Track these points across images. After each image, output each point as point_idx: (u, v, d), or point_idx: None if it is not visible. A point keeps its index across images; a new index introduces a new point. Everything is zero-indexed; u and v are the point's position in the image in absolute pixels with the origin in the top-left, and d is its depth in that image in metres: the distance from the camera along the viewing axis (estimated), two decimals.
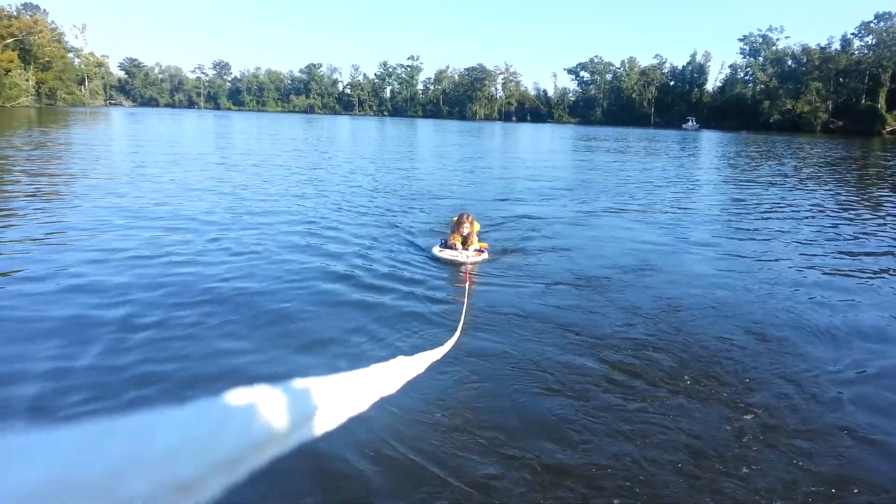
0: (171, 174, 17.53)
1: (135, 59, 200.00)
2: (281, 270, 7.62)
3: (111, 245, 8.56)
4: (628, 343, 5.53)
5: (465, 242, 8.67)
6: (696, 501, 3.26)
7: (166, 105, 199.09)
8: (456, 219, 9.08)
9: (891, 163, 33.81)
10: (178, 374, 4.61)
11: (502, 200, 15.40)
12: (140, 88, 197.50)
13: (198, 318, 5.76)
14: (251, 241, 9.26)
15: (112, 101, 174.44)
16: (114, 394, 4.26)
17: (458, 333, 3.84)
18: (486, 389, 4.51)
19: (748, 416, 4.22)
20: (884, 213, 14.04)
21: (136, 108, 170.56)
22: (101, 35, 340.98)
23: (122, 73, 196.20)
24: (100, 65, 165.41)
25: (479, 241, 8.93)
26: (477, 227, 9.03)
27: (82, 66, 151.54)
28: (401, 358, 1.16)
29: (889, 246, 10.41)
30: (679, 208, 14.44)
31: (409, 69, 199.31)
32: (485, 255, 8.54)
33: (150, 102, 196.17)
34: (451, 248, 8.59)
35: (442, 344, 1.97)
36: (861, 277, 8.23)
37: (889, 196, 17.73)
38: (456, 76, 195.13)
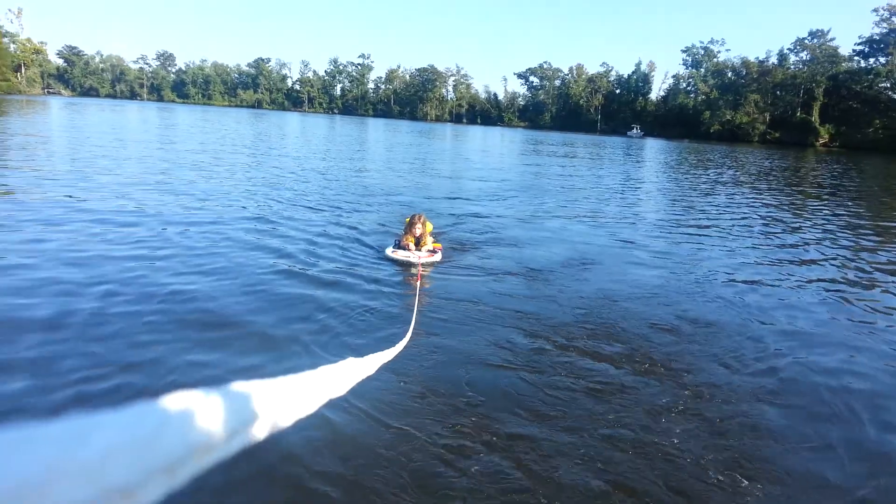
0: (113, 169, 17.04)
1: (74, 48, 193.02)
2: (228, 269, 7.47)
3: (44, 241, 8.25)
4: (577, 329, 5.99)
5: (419, 243, 8.71)
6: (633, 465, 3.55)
7: (107, 95, 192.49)
8: (409, 220, 9.13)
9: (819, 173, 35.61)
10: (115, 377, 4.44)
11: (453, 200, 15.66)
12: (80, 77, 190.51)
13: (138, 319, 5.58)
14: (197, 238, 9.11)
15: (50, 90, 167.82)
16: (45, 398, 4.10)
17: (409, 334, 3.97)
18: (437, 384, 4.66)
19: (682, 391, 4.71)
20: (812, 219, 14.85)
21: (76, 97, 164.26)
22: (38, 20, 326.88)
23: (60, 61, 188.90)
24: (37, 51, 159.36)
25: (433, 241, 9.00)
26: (430, 227, 9.07)
27: (18, 53, 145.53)
28: (350, 359, 1.15)
29: (815, 249, 11.11)
30: (623, 210, 14.98)
31: (359, 67, 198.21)
32: (438, 256, 8.59)
33: (89, 92, 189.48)
34: (404, 248, 8.63)
35: (394, 344, 2.03)
36: (788, 277, 8.80)
37: (816, 203, 18.72)
38: (407, 76, 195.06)
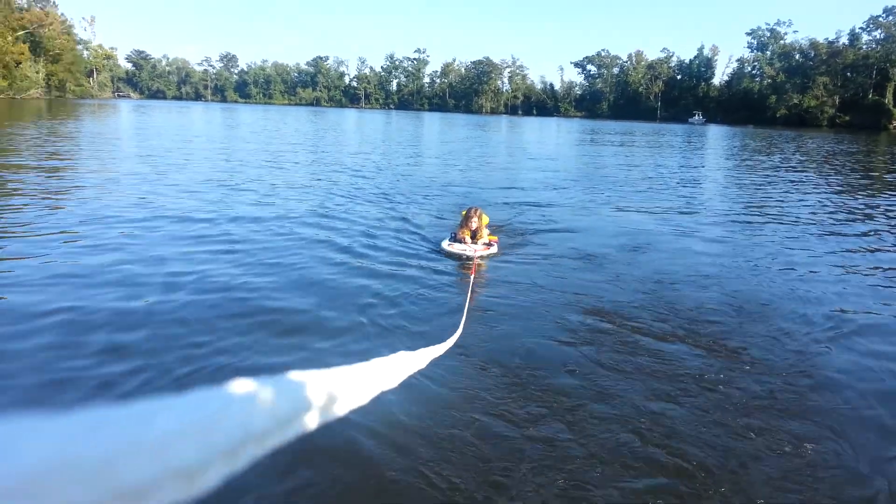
0: (185, 166, 17.77)
1: (142, 52, 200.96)
2: (286, 263, 7.68)
3: (120, 239, 8.65)
4: (633, 310, 6.21)
5: (475, 236, 8.68)
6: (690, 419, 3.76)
7: (173, 97, 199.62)
8: (465, 213, 9.05)
9: (888, 158, 34.03)
10: (181, 366, 4.66)
11: (508, 190, 15.78)
12: (147, 81, 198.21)
13: (203, 309, 5.83)
14: (263, 233, 9.44)
15: (120, 94, 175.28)
16: (114, 385, 4.33)
17: (461, 328, 4.13)
18: (498, 357, 4.88)
19: (735, 366, 4.89)
20: (880, 207, 14.36)
21: (144, 100, 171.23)
22: (109, 27, 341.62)
23: (129, 66, 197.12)
24: (108, 57, 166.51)
25: (489, 234, 8.96)
26: (486, 220, 9.01)
27: (91, 59, 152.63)
28: (402, 352, 1.15)
29: (878, 237, 10.80)
30: (680, 198, 14.76)
31: (415, 62, 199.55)
32: (494, 249, 8.56)
33: (157, 95, 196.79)
34: (460, 241, 8.62)
35: (446, 337, 2.10)
36: (851, 264, 8.70)
37: (889, 191, 18.05)
38: (462, 69, 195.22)
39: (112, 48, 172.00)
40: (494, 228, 9.80)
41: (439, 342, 1.80)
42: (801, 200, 15.29)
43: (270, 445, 0.62)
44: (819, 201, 15.15)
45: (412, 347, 1.05)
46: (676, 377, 4.66)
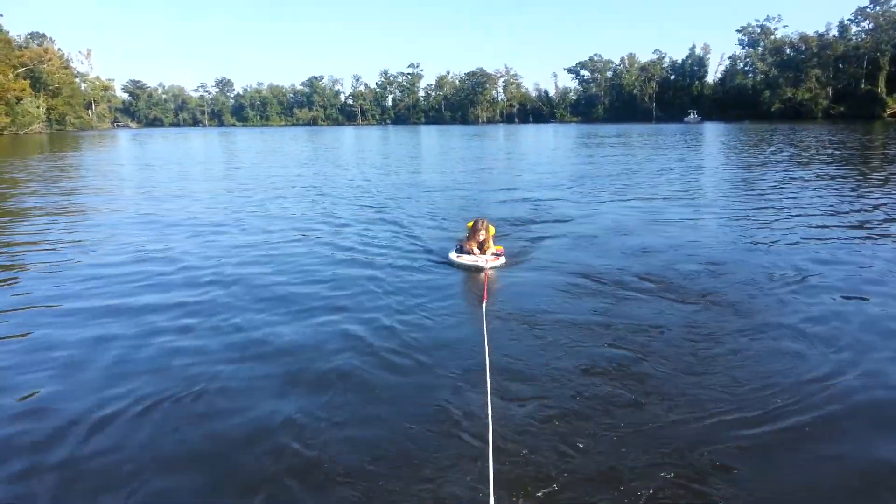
0: (188, 194, 18.19)
1: (138, 81, 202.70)
2: (295, 280, 8.10)
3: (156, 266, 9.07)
4: (630, 279, 6.51)
5: (482, 247, 8.76)
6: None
7: (171, 124, 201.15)
8: (471, 224, 9.05)
9: (881, 145, 34.51)
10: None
11: (512, 200, 16.07)
12: (144, 109, 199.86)
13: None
14: (269, 248, 9.96)
15: (119, 123, 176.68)
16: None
17: (486, 341, 4.65)
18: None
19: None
20: (864, 190, 14.90)
21: (143, 128, 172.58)
22: (104, 59, 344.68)
23: (125, 96, 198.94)
24: (106, 88, 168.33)
25: (495, 244, 9.04)
26: (492, 231, 9.08)
27: (89, 91, 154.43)
28: None
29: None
30: (674, 192, 15.36)
31: (409, 77, 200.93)
32: (502, 260, 8.64)
33: (154, 123, 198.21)
34: (467, 252, 8.72)
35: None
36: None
37: (876, 174, 18.57)
38: (457, 81, 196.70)
39: (109, 79, 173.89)
40: (497, 238, 9.74)
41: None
42: (792, 187, 15.87)
43: None
44: (807, 187, 15.74)
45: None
46: (667, 326, 5.47)
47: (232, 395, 4.75)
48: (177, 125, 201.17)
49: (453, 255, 8.80)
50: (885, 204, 13.53)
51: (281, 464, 3.75)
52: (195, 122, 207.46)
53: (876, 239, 10.10)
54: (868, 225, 11.39)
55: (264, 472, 3.69)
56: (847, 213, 12.70)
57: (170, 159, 36.05)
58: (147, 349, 5.70)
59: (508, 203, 15.24)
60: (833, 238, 10.16)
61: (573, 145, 47.13)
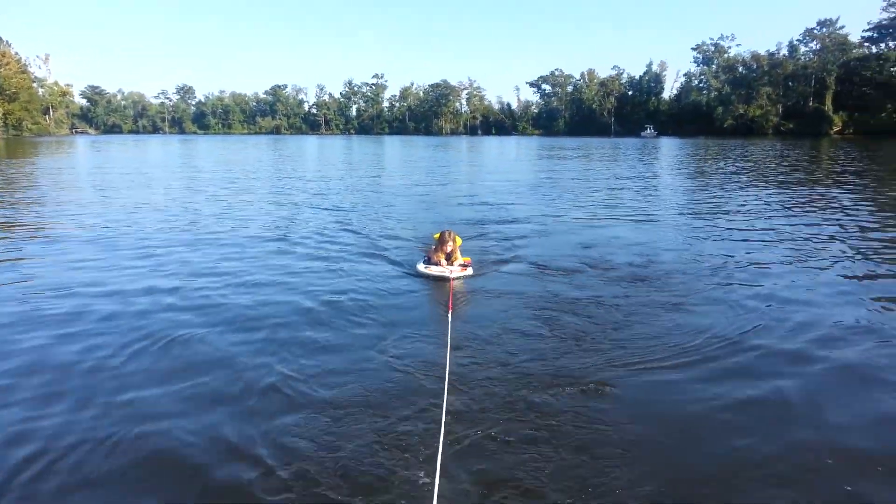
0: (144, 202, 18.52)
1: (97, 87, 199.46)
2: (257, 291, 7.87)
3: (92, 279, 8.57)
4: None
5: (450, 258, 8.75)
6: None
7: (130, 131, 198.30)
8: (438, 236, 9.04)
9: (828, 160, 36.43)
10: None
11: (477, 210, 16.18)
12: (103, 116, 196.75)
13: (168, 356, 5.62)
14: (226, 263, 9.61)
15: (77, 130, 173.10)
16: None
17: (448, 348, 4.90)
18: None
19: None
20: (804, 203, 15.94)
21: (101, 135, 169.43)
22: (63, 63, 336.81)
23: (83, 101, 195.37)
24: (64, 94, 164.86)
25: (462, 256, 9.04)
26: (459, 241, 9.04)
27: (47, 96, 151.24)
28: None
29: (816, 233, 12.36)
30: (628, 202, 16.12)
31: (374, 87, 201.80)
32: (469, 270, 8.67)
33: (113, 129, 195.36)
34: (435, 264, 8.72)
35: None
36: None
37: (828, 191, 19.91)
38: (420, 93, 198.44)
39: (68, 85, 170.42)
40: (465, 250, 9.66)
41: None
42: (737, 200, 17.04)
43: None
44: (748, 200, 16.93)
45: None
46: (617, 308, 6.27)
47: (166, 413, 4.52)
48: (136, 132, 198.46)
49: (421, 267, 8.83)
50: (810, 212, 14.87)
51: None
52: (155, 130, 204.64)
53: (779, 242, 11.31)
54: (784, 229, 12.62)
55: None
56: (771, 217, 14.12)
57: (128, 169, 35.66)
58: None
59: (468, 207, 16.09)
60: (752, 239, 11.47)
61: (534, 157, 48.36)
